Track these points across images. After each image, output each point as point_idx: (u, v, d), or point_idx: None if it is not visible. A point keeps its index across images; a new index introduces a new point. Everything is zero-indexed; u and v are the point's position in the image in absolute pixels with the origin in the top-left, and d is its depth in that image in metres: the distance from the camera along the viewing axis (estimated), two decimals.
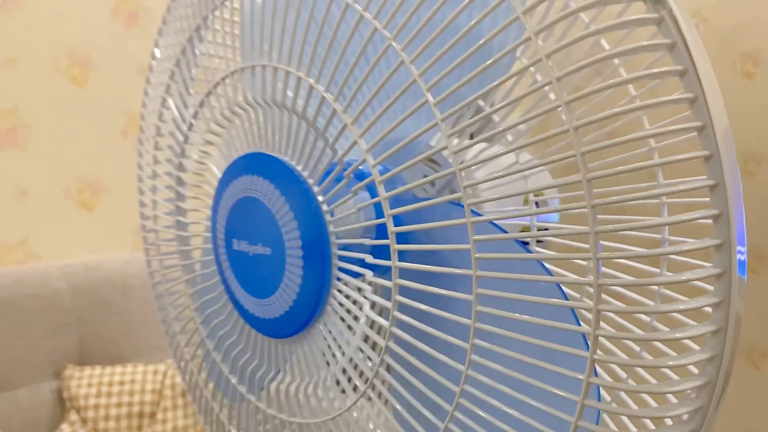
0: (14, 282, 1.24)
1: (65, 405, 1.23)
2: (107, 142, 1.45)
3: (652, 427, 0.32)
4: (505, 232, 0.31)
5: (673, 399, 0.31)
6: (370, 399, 0.35)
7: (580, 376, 0.27)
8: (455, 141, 0.31)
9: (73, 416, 1.21)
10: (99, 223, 1.45)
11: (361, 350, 0.35)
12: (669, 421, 0.30)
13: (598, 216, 0.28)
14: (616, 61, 0.38)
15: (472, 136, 0.45)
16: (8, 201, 1.33)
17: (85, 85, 1.42)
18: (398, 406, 0.34)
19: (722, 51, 1.75)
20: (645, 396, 0.34)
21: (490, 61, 0.28)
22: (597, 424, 0.30)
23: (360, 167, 0.34)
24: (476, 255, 0.29)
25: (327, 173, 0.36)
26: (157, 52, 0.50)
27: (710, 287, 0.28)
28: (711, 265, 0.28)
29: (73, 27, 1.39)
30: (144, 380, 1.25)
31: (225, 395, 0.47)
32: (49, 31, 1.35)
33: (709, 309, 0.28)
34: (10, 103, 1.32)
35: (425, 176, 0.45)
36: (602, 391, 0.33)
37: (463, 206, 0.30)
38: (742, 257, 0.28)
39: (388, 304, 0.33)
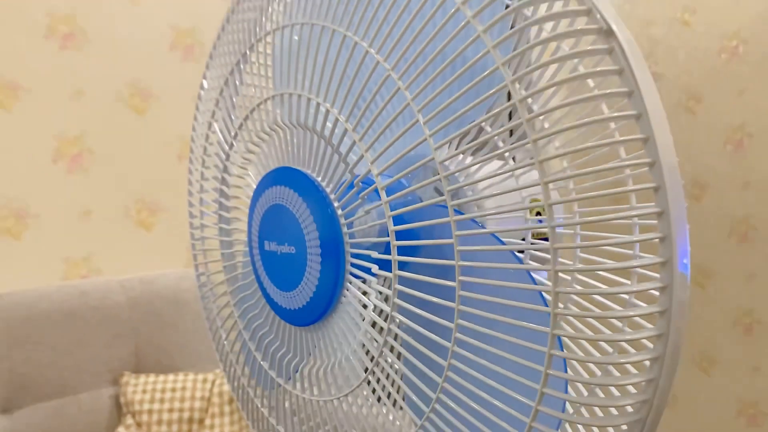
0: (78, 294, 1.35)
1: (122, 409, 1.32)
2: (164, 166, 1.56)
3: (618, 394, 0.37)
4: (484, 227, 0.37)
5: (633, 370, 0.36)
6: (373, 372, 0.41)
7: (543, 349, 0.33)
8: (440, 153, 0.37)
9: (129, 420, 1.29)
10: (155, 241, 1.56)
11: (370, 334, 0.41)
12: (632, 389, 0.34)
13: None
14: (591, 83, 0.44)
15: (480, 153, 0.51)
16: (74, 220, 1.45)
17: (144, 113, 1.54)
18: (398, 381, 0.39)
19: (762, 71, 1.76)
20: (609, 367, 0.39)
21: (466, 87, 0.34)
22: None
23: (373, 178, 0.41)
24: (458, 248, 0.35)
25: (342, 183, 0.42)
26: (205, 83, 0.58)
27: (657, 275, 0.33)
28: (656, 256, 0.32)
29: (135, 60, 1.51)
30: (194, 388, 1.34)
31: (258, 381, 0.53)
32: (113, 64, 1.48)
33: (656, 293, 0.33)
34: (77, 130, 1.44)
35: (435, 189, 0.51)
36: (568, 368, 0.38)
37: (457, 210, 0.36)
38: (686, 261, 0.32)
39: (390, 293, 0.39)
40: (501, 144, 0.47)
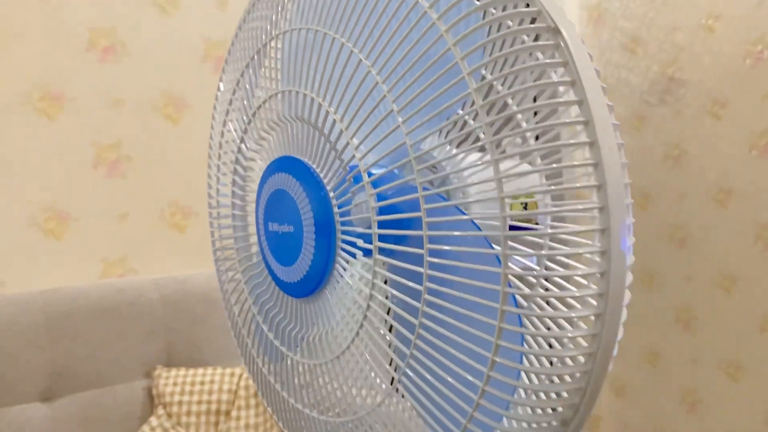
0: (115, 292, 1.43)
1: (154, 401, 1.39)
2: (197, 171, 1.64)
3: (572, 347, 0.41)
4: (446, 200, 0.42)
5: (582, 325, 0.40)
6: (358, 334, 0.46)
7: (496, 305, 0.38)
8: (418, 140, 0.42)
9: (161, 411, 1.36)
10: (188, 243, 1.63)
11: (356, 300, 0.46)
12: (583, 342, 0.39)
13: None
14: (555, 76, 0.48)
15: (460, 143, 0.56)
16: (112, 222, 1.53)
17: (178, 122, 1.62)
18: (379, 340, 0.45)
19: None
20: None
21: (430, 81, 0.39)
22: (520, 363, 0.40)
23: (357, 163, 0.46)
24: (426, 219, 0.40)
25: (333, 169, 0.48)
26: (221, 86, 0.64)
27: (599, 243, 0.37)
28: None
29: (170, 71, 1.60)
30: (222, 381, 1.40)
31: (266, 353, 0.59)
32: (149, 76, 1.56)
33: (597, 258, 0.37)
34: (115, 138, 1.53)
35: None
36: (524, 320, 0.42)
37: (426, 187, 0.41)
38: (626, 244, 0.36)
39: (371, 263, 0.44)
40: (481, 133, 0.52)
